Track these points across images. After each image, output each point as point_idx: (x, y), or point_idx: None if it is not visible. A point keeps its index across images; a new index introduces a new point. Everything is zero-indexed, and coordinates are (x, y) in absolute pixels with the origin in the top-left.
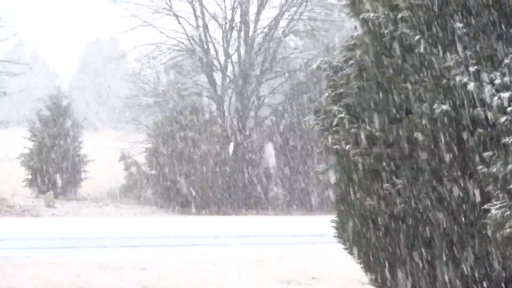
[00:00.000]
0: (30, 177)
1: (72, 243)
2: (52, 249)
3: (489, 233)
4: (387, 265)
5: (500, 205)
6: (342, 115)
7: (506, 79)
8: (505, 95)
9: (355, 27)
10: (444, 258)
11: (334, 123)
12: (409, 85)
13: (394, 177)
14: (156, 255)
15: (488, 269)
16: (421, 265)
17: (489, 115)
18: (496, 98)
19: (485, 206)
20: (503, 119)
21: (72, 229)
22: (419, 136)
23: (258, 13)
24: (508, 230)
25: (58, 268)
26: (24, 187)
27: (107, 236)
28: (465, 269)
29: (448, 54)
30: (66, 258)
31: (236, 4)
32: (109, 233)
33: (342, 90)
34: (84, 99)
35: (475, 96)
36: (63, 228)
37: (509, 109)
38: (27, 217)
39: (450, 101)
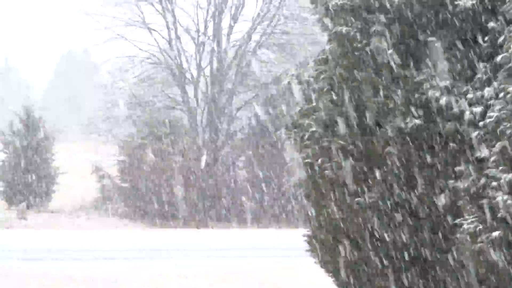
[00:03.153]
0: (1, 188)
1: (44, 255)
2: (24, 261)
3: (462, 247)
4: (355, 278)
5: (472, 219)
6: (314, 129)
7: (478, 93)
8: (477, 109)
9: (327, 41)
10: (418, 271)
11: (306, 136)
12: (381, 99)
13: (366, 191)
14: (128, 268)
15: (461, 282)
16: (392, 278)
17: (461, 129)
18: (468, 112)
19: (457, 221)
20: (475, 133)
21: (44, 241)
22: (391, 150)
23: (231, 26)
24: (480, 244)
25: (29, 280)
26: None
27: (79, 248)
28: (441, 284)
29: (420, 68)
30: (38, 270)
31: (208, 17)
32: (81, 246)
33: (314, 104)
34: (57, 111)
35: (447, 110)
36: (35, 240)
37: (481, 123)
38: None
39: (422, 115)
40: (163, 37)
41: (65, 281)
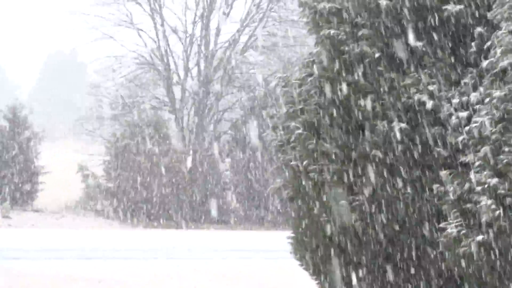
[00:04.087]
0: None
1: (27, 255)
2: (6, 260)
3: (445, 251)
4: (340, 282)
5: (456, 223)
6: (300, 131)
7: (465, 98)
8: (463, 114)
9: (315, 44)
10: (402, 275)
11: (292, 139)
12: (368, 103)
13: (351, 194)
14: (112, 268)
15: (445, 286)
16: (377, 281)
17: (447, 134)
18: (454, 117)
19: (441, 225)
20: (460, 138)
21: (28, 240)
22: (377, 153)
23: (219, 27)
24: (463, 248)
25: (11, 280)
26: None
27: (63, 248)
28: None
29: (407, 72)
30: (20, 270)
31: (197, 18)
32: (65, 245)
33: (300, 106)
34: (43, 111)
35: (434, 114)
36: (19, 239)
37: (466, 128)
38: None
39: (409, 119)
40: (151, 38)
41: (48, 280)
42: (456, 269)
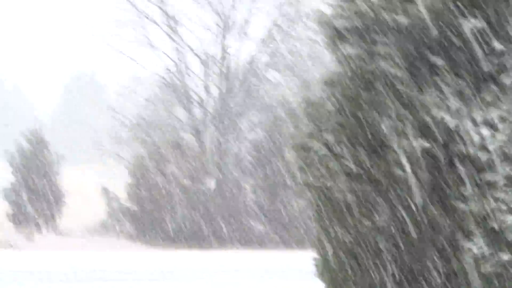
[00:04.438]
0: (10, 210)
1: (50, 277)
2: (31, 282)
3: (469, 271)
4: None
5: (482, 243)
6: (321, 151)
7: (487, 116)
8: (486, 132)
9: (334, 62)
10: None
11: (314, 159)
12: (389, 121)
13: (374, 214)
14: None
15: None
16: None
17: (470, 152)
18: (476, 135)
19: (466, 244)
20: (483, 156)
21: (51, 262)
22: (399, 172)
23: (238, 47)
24: (488, 269)
25: None
26: (4, 220)
27: (86, 270)
28: None
29: (428, 89)
30: None
31: (216, 38)
32: (89, 267)
33: (321, 126)
34: (65, 133)
35: (456, 132)
36: (42, 261)
37: (490, 146)
38: (7, 250)
39: (431, 137)
40: (170, 58)
41: None
42: None
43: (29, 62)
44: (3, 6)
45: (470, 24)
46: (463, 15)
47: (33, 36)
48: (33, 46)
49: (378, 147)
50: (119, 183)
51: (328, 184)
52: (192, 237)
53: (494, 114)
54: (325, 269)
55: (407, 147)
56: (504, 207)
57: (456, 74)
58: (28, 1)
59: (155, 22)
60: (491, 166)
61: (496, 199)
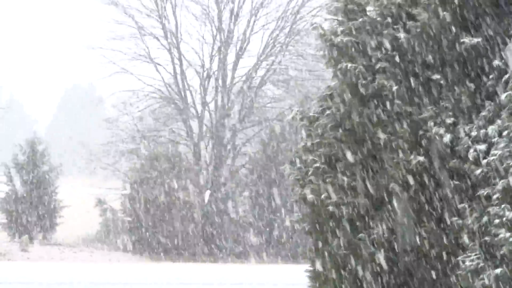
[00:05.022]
0: (5, 221)
1: None
2: None
3: (463, 284)
4: None
5: (474, 257)
6: (318, 165)
7: (482, 131)
8: (481, 147)
9: (332, 77)
10: None
11: (310, 172)
12: (385, 136)
13: (369, 227)
14: None
15: None
16: None
17: (465, 167)
18: (472, 150)
19: (459, 258)
20: (478, 171)
21: (46, 274)
22: (395, 187)
23: (236, 62)
24: (482, 281)
25: None
26: None
27: (80, 281)
28: None
29: (424, 105)
30: None
31: (214, 52)
32: (83, 279)
33: (318, 140)
34: (61, 145)
35: (451, 148)
36: (37, 273)
37: (484, 161)
38: (2, 261)
39: (426, 152)
40: (168, 72)
41: None
42: None
43: (26, 73)
44: (1, 15)
45: (468, 41)
46: (461, 32)
47: (31, 48)
48: (31, 57)
49: (374, 161)
50: (115, 195)
51: (324, 197)
52: (187, 249)
53: (490, 130)
54: (318, 281)
55: (402, 162)
56: (497, 221)
57: (453, 90)
58: (27, 12)
59: (154, 36)
60: (485, 181)
61: (490, 214)
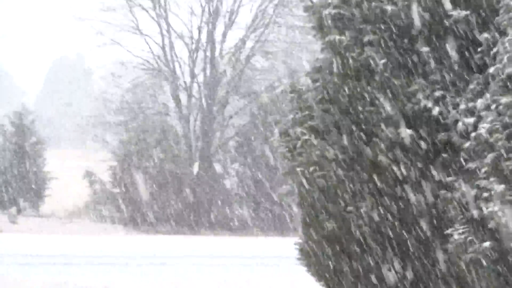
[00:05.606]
0: None
1: (34, 261)
2: (14, 266)
3: (452, 257)
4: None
5: (463, 230)
6: (306, 137)
7: (471, 104)
8: (470, 120)
9: (321, 50)
10: (407, 281)
11: (298, 145)
12: (374, 109)
13: (358, 200)
14: (119, 275)
15: None
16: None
17: (453, 140)
18: (460, 123)
19: (448, 231)
20: (467, 144)
21: (35, 246)
22: (383, 159)
23: (225, 34)
24: (470, 255)
25: (18, 286)
26: None
27: (69, 254)
28: None
29: (413, 78)
30: (27, 276)
31: (202, 24)
32: (72, 251)
33: (306, 112)
34: (49, 117)
35: (440, 120)
36: (26, 245)
37: (473, 134)
38: None
39: (415, 125)
40: (156, 43)
41: None
42: (464, 274)
43: (15, 44)
44: None
45: (456, 13)
46: (451, 5)
47: (19, 19)
48: (19, 28)
49: (363, 134)
50: (103, 167)
51: (312, 170)
52: (176, 221)
53: (478, 103)
54: (307, 254)
55: (391, 135)
56: (485, 195)
57: (442, 63)
58: None
59: (143, 8)
60: (474, 154)
61: (478, 187)
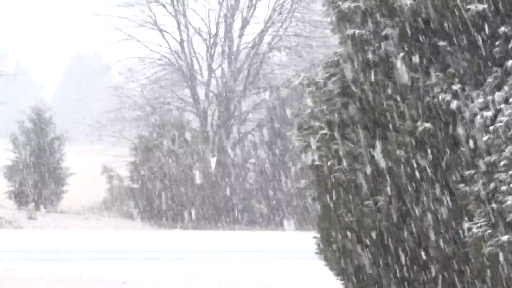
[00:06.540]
0: (12, 188)
1: (52, 256)
2: (32, 262)
3: (470, 251)
4: (364, 281)
5: (482, 223)
6: (324, 131)
7: (489, 98)
8: (488, 113)
9: (339, 44)
10: (428, 275)
11: (316, 139)
12: (392, 102)
13: (375, 194)
14: (137, 269)
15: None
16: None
17: (472, 133)
18: (478, 116)
19: (467, 225)
20: (485, 138)
21: (53, 241)
22: (401, 153)
23: (242, 28)
24: (489, 248)
25: (37, 282)
26: (5, 198)
27: (87, 249)
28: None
29: (431, 71)
30: (45, 271)
31: (220, 19)
32: (90, 246)
33: (325, 106)
34: (67, 112)
35: (458, 114)
36: (44, 240)
37: (491, 128)
38: (8, 229)
39: (433, 119)
40: (174, 39)
41: (73, 282)
42: (481, 268)
43: (33, 40)
44: None
45: (474, 7)
46: None
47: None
48: (37, 24)
49: (381, 128)
50: (121, 162)
51: (330, 164)
52: (194, 216)
53: (497, 96)
54: (324, 248)
55: (409, 129)
56: (504, 188)
57: (460, 57)
58: None
59: (160, 3)
60: (491, 148)
61: (497, 180)
